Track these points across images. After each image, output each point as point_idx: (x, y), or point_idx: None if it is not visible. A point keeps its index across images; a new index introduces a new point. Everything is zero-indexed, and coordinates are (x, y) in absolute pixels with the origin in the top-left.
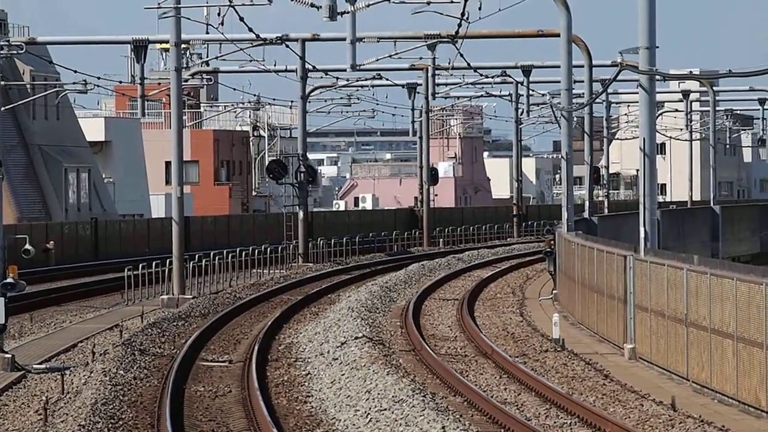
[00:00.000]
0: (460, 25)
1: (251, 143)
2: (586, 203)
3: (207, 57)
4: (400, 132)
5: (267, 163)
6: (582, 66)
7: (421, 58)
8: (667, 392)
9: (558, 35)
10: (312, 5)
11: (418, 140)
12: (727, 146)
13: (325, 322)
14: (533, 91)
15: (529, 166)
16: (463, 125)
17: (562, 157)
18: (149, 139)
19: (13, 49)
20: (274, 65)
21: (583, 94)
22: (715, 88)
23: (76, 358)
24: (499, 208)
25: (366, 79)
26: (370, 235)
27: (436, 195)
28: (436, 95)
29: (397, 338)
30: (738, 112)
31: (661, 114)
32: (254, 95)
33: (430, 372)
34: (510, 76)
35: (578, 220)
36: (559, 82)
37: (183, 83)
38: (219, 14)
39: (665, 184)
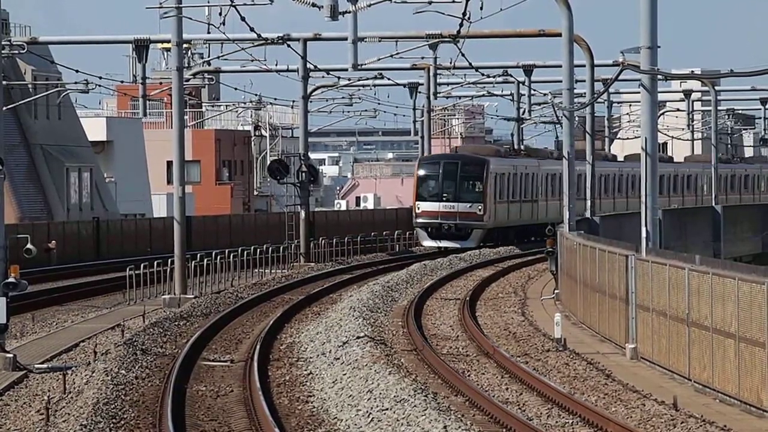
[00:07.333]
0: (461, 25)
1: (253, 143)
2: (588, 203)
3: (208, 57)
4: (401, 132)
5: (268, 162)
6: (583, 65)
7: (422, 58)
8: (669, 392)
9: (559, 35)
10: (314, 5)
11: (420, 140)
12: (729, 146)
13: (326, 321)
14: (535, 90)
15: None
16: (464, 125)
17: (563, 156)
18: (151, 138)
19: (15, 48)
20: (276, 65)
21: (585, 93)
22: (716, 88)
23: (78, 358)
24: None
25: (367, 79)
26: (372, 234)
27: None
28: (438, 95)
29: (399, 338)
30: (739, 111)
31: (662, 113)
32: (256, 95)
33: (431, 372)
34: (512, 76)
35: (580, 220)
36: (560, 81)
37: (185, 83)
38: (220, 14)
39: None
